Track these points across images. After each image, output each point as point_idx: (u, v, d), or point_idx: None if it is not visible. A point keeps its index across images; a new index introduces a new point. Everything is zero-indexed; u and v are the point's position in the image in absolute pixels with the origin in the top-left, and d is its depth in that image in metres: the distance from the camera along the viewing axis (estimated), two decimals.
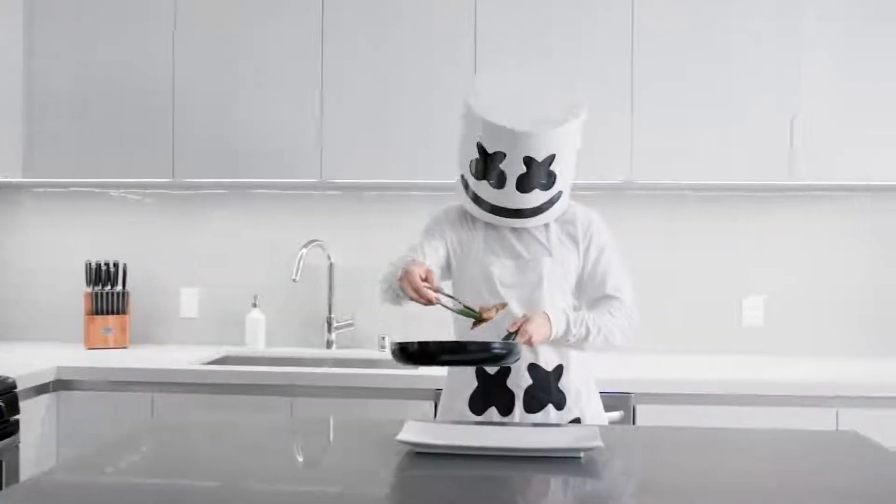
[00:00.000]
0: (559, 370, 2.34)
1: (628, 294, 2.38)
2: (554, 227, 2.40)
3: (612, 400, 2.79)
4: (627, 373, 2.93)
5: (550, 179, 2.29)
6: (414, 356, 2.13)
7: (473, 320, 2.22)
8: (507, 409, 2.32)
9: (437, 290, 2.18)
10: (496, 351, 2.12)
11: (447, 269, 2.43)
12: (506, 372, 2.31)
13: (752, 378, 2.94)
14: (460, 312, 2.26)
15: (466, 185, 2.40)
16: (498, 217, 2.35)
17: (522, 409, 2.32)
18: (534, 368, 2.32)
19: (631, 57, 3.21)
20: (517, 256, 2.37)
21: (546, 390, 2.33)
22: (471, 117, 2.30)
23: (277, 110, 3.31)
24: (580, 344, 2.30)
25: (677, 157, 3.19)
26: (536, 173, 2.26)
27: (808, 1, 3.17)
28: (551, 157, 2.25)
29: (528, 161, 2.24)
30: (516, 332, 2.18)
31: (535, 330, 2.20)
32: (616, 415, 2.82)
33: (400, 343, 2.13)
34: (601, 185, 3.38)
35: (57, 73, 3.39)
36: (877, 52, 3.16)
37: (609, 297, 2.37)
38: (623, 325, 2.33)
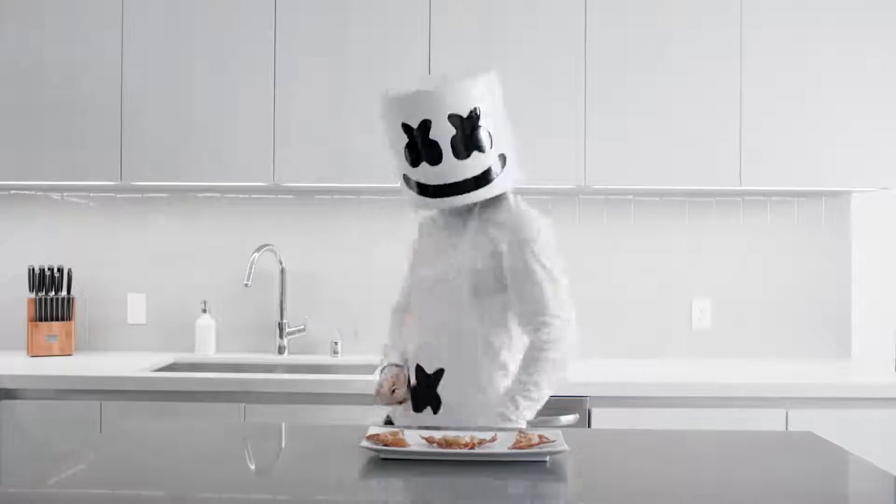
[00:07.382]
0: (439, 374, 2.29)
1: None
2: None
3: (568, 403, 2.83)
4: (583, 376, 2.94)
5: (488, 138, 2.23)
6: None
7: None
8: None
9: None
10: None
11: None
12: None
13: (705, 380, 2.99)
14: None
15: (408, 181, 2.31)
16: (443, 199, 2.25)
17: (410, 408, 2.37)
18: (419, 370, 2.31)
19: (584, 64, 3.21)
20: (436, 267, 2.33)
21: (425, 394, 2.30)
22: (389, 107, 2.27)
23: (230, 113, 3.26)
24: (535, 404, 2.24)
25: (630, 163, 3.21)
26: (468, 132, 2.20)
27: (750, 10, 3.21)
28: (476, 112, 2.20)
29: (455, 119, 2.18)
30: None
31: None
32: (571, 418, 2.83)
33: None
34: (555, 189, 3.40)
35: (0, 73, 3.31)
36: (812, 59, 3.22)
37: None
38: (560, 353, 2.24)
